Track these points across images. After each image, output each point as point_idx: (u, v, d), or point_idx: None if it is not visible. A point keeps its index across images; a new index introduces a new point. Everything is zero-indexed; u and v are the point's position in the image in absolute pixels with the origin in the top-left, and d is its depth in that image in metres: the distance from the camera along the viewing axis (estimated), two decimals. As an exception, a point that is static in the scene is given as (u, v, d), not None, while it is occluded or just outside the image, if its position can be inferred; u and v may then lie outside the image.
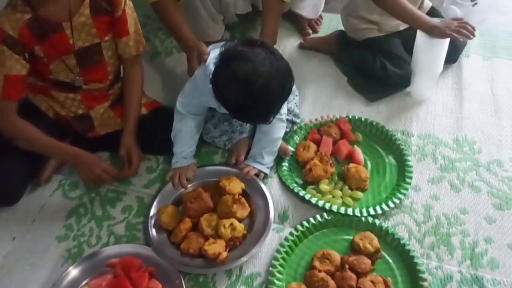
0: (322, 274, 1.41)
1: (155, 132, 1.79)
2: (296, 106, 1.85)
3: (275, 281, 1.44)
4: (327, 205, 1.58)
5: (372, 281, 1.40)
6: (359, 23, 1.99)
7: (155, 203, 1.66)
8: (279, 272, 1.47)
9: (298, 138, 1.82)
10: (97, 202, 1.72)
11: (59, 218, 1.68)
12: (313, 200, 1.60)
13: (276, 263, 1.48)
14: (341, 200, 1.63)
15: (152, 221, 1.61)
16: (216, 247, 1.50)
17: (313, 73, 2.10)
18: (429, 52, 1.75)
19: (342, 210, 1.57)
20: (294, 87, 1.79)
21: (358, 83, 2.01)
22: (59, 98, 1.73)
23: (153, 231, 1.59)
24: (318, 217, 1.57)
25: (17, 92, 1.58)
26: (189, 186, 1.69)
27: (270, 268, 1.47)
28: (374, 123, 1.83)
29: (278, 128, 1.68)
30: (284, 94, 1.47)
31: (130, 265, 1.50)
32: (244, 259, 1.49)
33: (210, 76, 1.45)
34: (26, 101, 1.70)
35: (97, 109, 1.77)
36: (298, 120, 1.86)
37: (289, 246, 1.52)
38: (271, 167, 1.74)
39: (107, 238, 1.62)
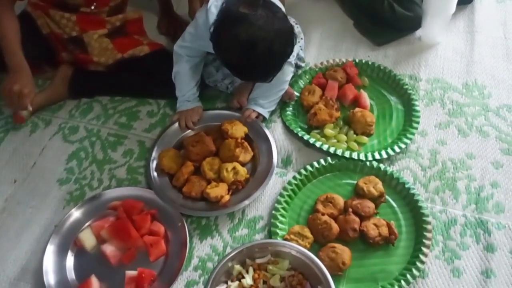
0: (325, 217, 1.40)
1: (156, 73, 1.75)
2: (301, 49, 1.79)
3: (278, 224, 1.43)
4: (332, 149, 1.55)
5: (375, 224, 1.39)
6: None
7: (156, 147, 1.63)
8: (282, 215, 1.45)
9: (303, 82, 1.77)
10: (98, 146, 1.70)
11: (59, 161, 1.66)
12: (318, 144, 1.57)
13: (279, 206, 1.46)
14: (346, 144, 1.60)
15: (154, 165, 1.59)
16: (218, 190, 1.48)
17: (319, 16, 2.02)
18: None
19: (347, 154, 1.54)
20: (299, 30, 1.74)
21: (365, 26, 1.94)
22: (55, 17, 1.72)
23: (154, 175, 1.57)
24: (322, 161, 1.54)
25: None
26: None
27: (273, 212, 1.46)
28: (382, 67, 1.77)
29: (286, 72, 1.63)
30: (286, 56, 1.43)
31: (132, 208, 1.50)
32: (246, 202, 1.48)
33: (212, 23, 1.41)
34: (26, 13, 1.76)
35: (90, 34, 1.74)
36: (303, 64, 1.81)
37: (292, 190, 1.50)
38: (274, 111, 1.70)
39: (108, 181, 1.61)
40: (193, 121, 1.66)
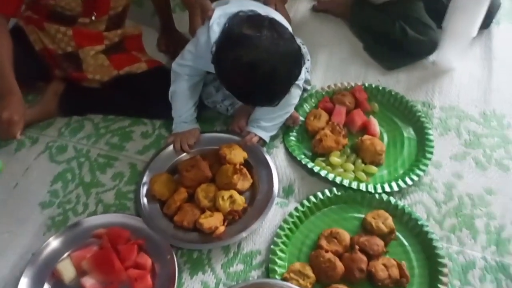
0: (329, 255, 1.26)
1: (153, 91, 1.64)
2: (308, 71, 1.69)
3: (277, 260, 1.29)
4: (338, 179, 1.43)
5: (384, 265, 1.25)
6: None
7: (148, 171, 1.51)
8: (282, 250, 1.32)
9: (309, 106, 1.66)
10: (86, 167, 1.58)
11: (44, 183, 1.54)
12: (323, 173, 1.45)
13: (278, 240, 1.33)
14: (353, 174, 1.47)
15: (144, 190, 1.47)
16: (212, 221, 1.36)
17: (326, 37, 1.92)
18: (466, 11, 1.57)
19: (354, 185, 1.41)
20: (305, 50, 1.63)
21: (375, 49, 1.84)
22: (50, 31, 1.61)
23: (144, 201, 1.44)
24: (327, 192, 1.42)
25: (11, 8, 1.50)
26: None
27: (272, 246, 1.32)
28: (393, 93, 1.66)
29: (293, 94, 1.52)
30: (291, 79, 1.34)
31: (117, 237, 1.37)
32: (243, 234, 1.34)
33: (213, 42, 1.33)
34: (18, 28, 1.66)
35: (87, 50, 1.63)
36: (309, 87, 1.70)
37: (294, 223, 1.37)
38: (276, 136, 1.59)
39: (94, 206, 1.48)
40: (189, 143, 1.54)
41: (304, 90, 1.68)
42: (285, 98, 1.47)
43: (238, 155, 1.48)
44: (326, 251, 1.28)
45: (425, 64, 1.79)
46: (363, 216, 1.38)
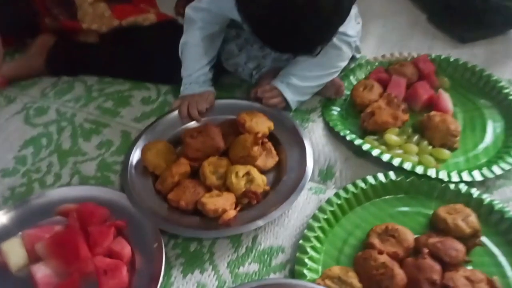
0: (385, 258, 0.87)
1: (162, 49, 1.31)
2: (358, 36, 1.32)
3: (307, 261, 0.90)
4: (396, 161, 1.04)
5: (468, 278, 0.84)
6: None
7: (143, 137, 1.15)
8: (315, 248, 0.93)
9: (357, 78, 1.29)
10: (67, 133, 1.24)
11: (11, 147, 1.21)
12: (375, 153, 1.06)
13: (310, 234, 0.94)
14: (417, 158, 1.08)
15: (135, 160, 1.10)
16: (220, 201, 0.98)
17: (380, 8, 1.57)
18: None
19: (419, 170, 1.02)
20: (356, 11, 1.27)
21: (443, 20, 1.47)
22: None
23: (132, 172, 1.08)
24: (380, 176, 1.03)
25: None
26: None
27: (301, 242, 0.93)
28: (469, 65, 1.28)
29: (341, 53, 1.18)
30: (339, 15, 0.97)
31: (90, 215, 1.01)
32: (260, 223, 0.96)
33: None
34: None
35: None
36: (358, 55, 1.34)
37: (333, 213, 0.98)
38: (313, 109, 1.22)
39: (68, 178, 1.13)
40: (199, 109, 1.18)
41: (352, 58, 1.31)
42: (329, 53, 1.12)
43: (261, 124, 1.12)
44: (380, 253, 0.88)
45: (509, 37, 1.40)
46: (431, 211, 0.98)
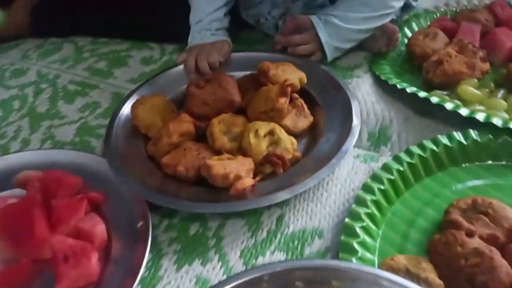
0: (478, 242, 0.57)
1: None
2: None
3: (357, 247, 0.60)
4: (480, 116, 0.74)
5: None
6: None
7: (137, 93, 0.89)
8: (367, 230, 0.63)
9: (414, 31, 1.01)
10: (45, 95, 0.99)
11: (-25, 110, 0.96)
12: (448, 106, 0.77)
13: (361, 211, 0.64)
14: (507, 116, 0.78)
15: (123, 119, 0.84)
16: (232, 165, 0.70)
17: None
18: None
19: (515, 127, 0.72)
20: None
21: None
22: None
23: (117, 133, 0.81)
24: (458, 136, 0.73)
25: None
26: None
27: (347, 220, 0.63)
28: (562, 10, 0.99)
29: None
30: None
31: (56, 185, 0.74)
32: (286, 195, 0.67)
33: None
34: None
35: None
36: (414, 4, 1.06)
37: (393, 184, 0.69)
38: (358, 64, 0.94)
39: (39, 143, 0.87)
40: (210, 61, 0.91)
41: (406, 7, 1.04)
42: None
43: (290, 73, 0.84)
44: (470, 235, 0.58)
45: None
46: (536, 184, 0.68)
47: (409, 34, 0.99)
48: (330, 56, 0.91)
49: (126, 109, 0.85)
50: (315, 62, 0.91)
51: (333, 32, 0.90)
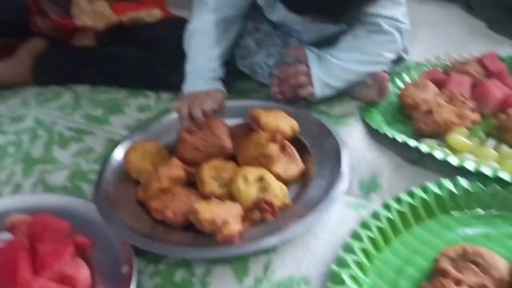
0: (466, 291, 0.55)
1: (168, 49, 1.09)
2: (402, 34, 1.07)
3: (345, 295, 0.59)
4: (470, 165, 0.74)
5: None
6: None
7: (130, 140, 0.89)
8: (355, 279, 0.62)
9: (405, 83, 1.03)
10: (41, 141, 1.00)
11: (-31, 155, 0.97)
12: (438, 155, 0.77)
13: (349, 258, 0.63)
14: (497, 165, 0.78)
15: (115, 165, 0.84)
16: (220, 210, 0.69)
17: (428, 16, 1.33)
18: None
19: (505, 176, 0.72)
20: (405, 10, 1.02)
21: (509, 25, 1.22)
22: None
23: (108, 178, 0.81)
24: (447, 184, 0.73)
25: None
26: None
27: (335, 268, 0.62)
28: (550, 64, 1.01)
29: (389, 40, 0.95)
30: None
31: (43, 229, 0.73)
32: (274, 241, 0.66)
33: None
34: None
35: None
36: (406, 56, 1.08)
37: (382, 232, 0.68)
38: (350, 112, 0.96)
39: (31, 187, 0.87)
40: (204, 109, 0.92)
41: (398, 59, 1.06)
42: (374, 38, 0.91)
43: (281, 120, 0.85)
44: (458, 283, 0.57)
45: None
46: (526, 234, 0.67)
47: (401, 85, 1.01)
48: (318, 90, 0.93)
49: (118, 155, 0.85)
50: (305, 109, 0.92)
51: (325, 67, 0.92)
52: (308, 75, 0.92)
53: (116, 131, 1.00)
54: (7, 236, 0.75)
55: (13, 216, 0.76)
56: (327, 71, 0.92)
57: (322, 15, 0.82)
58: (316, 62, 0.92)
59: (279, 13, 0.97)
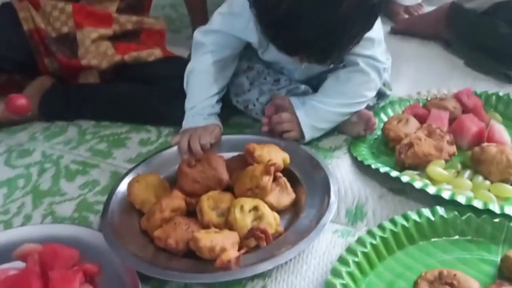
0: (441, 311, 0.62)
1: (168, 86, 1.17)
2: (387, 72, 1.16)
3: (332, 315, 0.65)
4: (446, 194, 0.81)
5: None
6: (481, -14, 1.34)
7: (133, 172, 0.96)
8: (342, 301, 0.68)
9: (389, 116, 1.10)
10: (49, 174, 1.06)
11: (-19, 188, 1.03)
12: (417, 185, 0.84)
13: (336, 282, 0.70)
14: (472, 195, 0.85)
15: (120, 196, 0.90)
16: (218, 238, 0.76)
17: (412, 52, 1.43)
18: None
19: (478, 204, 0.79)
20: (384, 46, 1.11)
21: (484, 62, 1.31)
22: (46, 8, 1.22)
23: (114, 209, 0.87)
24: (426, 212, 0.80)
25: None
26: None
27: (323, 291, 0.69)
28: (524, 100, 1.09)
29: (368, 81, 1.02)
30: (365, 7, 0.84)
31: (53, 257, 0.79)
32: (268, 266, 0.73)
33: None
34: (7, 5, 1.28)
35: (87, 31, 1.22)
36: (388, 92, 1.16)
37: (366, 256, 0.74)
38: (338, 146, 1.03)
39: (40, 219, 0.93)
40: (202, 143, 0.99)
41: (382, 95, 1.14)
42: (354, 80, 0.99)
43: (274, 154, 0.92)
44: (434, 304, 0.63)
45: None
46: (497, 258, 0.73)
47: (385, 119, 1.08)
48: (307, 134, 1.00)
49: (122, 187, 0.91)
50: (296, 143, 1.00)
51: (311, 111, 1.00)
52: (293, 121, 1.00)
53: (120, 164, 1.07)
54: (20, 264, 0.81)
55: (25, 246, 0.82)
56: (313, 115, 1.00)
57: (309, 57, 0.90)
58: (301, 109, 1.00)
59: (271, 54, 1.05)
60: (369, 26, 0.87)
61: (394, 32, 1.55)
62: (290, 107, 1.01)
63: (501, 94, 1.11)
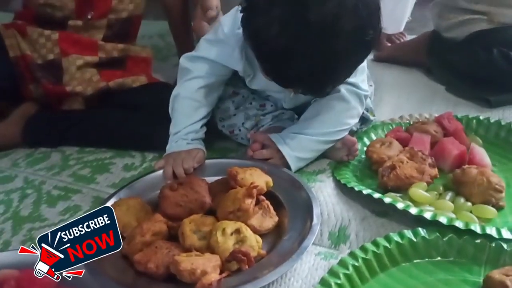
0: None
1: (153, 113, 1.18)
2: (370, 98, 1.17)
3: (314, 338, 0.64)
4: (428, 215, 0.81)
5: None
6: (459, 16, 1.37)
7: (115, 197, 0.95)
8: (324, 323, 0.67)
9: (374, 137, 1.12)
10: (30, 200, 1.05)
11: (-41, 215, 1.01)
12: (400, 206, 0.84)
13: (318, 304, 0.69)
14: (454, 216, 0.85)
15: (101, 221, 0.89)
16: (199, 261, 0.75)
17: (394, 79, 1.45)
18: None
19: (460, 224, 0.79)
20: (367, 72, 1.14)
21: (464, 88, 1.34)
22: (32, 36, 1.23)
23: (94, 233, 0.86)
24: (408, 233, 0.80)
25: None
26: None
27: (305, 313, 0.68)
28: (503, 123, 1.10)
29: (349, 108, 1.03)
30: (360, 42, 0.85)
31: (31, 283, 0.78)
32: (250, 288, 0.72)
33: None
34: None
35: (73, 58, 1.23)
36: (372, 118, 1.17)
37: (348, 278, 0.73)
38: (322, 170, 1.03)
39: (19, 244, 0.91)
40: (185, 167, 0.99)
41: (365, 120, 1.15)
42: (336, 108, 1.00)
43: (257, 177, 0.92)
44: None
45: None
46: (480, 279, 0.73)
47: (368, 143, 1.09)
48: (293, 165, 1.00)
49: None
50: (280, 166, 1.00)
51: (294, 143, 1.00)
52: (276, 156, 1.00)
53: (103, 189, 1.06)
54: (-5, 291, 0.79)
55: (2, 272, 0.80)
56: (297, 147, 1.00)
57: (305, 89, 0.91)
58: (283, 143, 1.00)
59: (259, 82, 1.05)
60: (363, 58, 0.89)
61: (377, 59, 1.58)
62: (271, 143, 1.01)
63: (481, 118, 1.13)
